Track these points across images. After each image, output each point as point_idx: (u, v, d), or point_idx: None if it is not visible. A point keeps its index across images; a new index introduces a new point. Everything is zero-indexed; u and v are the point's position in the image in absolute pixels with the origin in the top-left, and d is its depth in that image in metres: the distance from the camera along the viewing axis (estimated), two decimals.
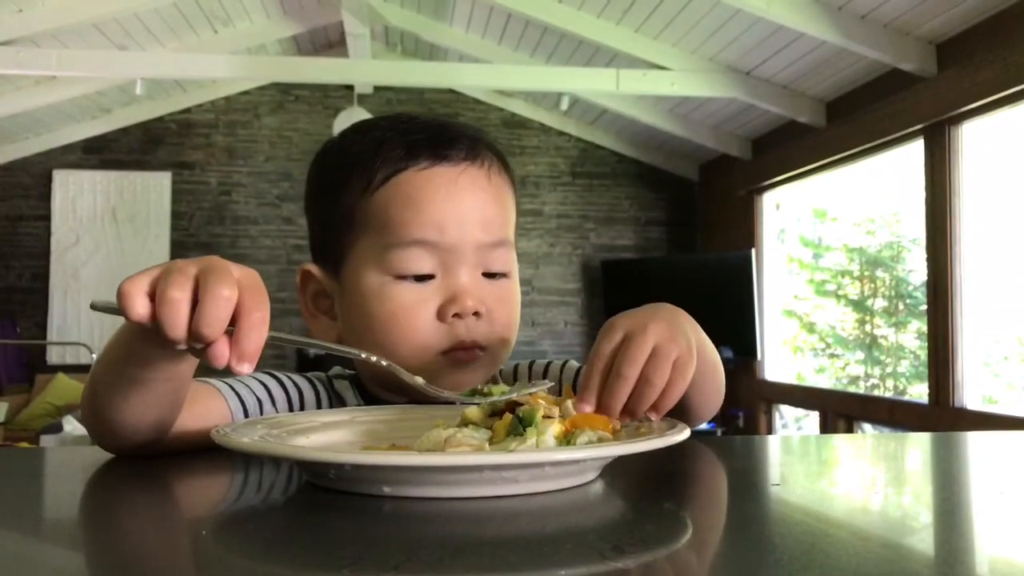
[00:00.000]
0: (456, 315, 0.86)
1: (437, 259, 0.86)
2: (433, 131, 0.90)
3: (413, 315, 0.86)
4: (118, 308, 0.57)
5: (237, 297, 0.56)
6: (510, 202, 0.94)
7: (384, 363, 0.68)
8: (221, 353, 0.56)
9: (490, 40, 5.71)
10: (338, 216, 0.90)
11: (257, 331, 0.57)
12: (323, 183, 0.95)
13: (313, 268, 0.94)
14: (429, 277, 0.87)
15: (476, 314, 0.87)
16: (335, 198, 0.91)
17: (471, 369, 0.88)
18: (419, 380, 0.69)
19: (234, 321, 0.57)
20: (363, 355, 0.68)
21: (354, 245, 0.89)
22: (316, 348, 0.69)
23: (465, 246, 0.87)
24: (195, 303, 0.56)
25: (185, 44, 5.57)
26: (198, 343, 0.57)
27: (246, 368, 0.57)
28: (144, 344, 0.64)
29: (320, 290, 0.94)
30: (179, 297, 0.56)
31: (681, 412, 0.79)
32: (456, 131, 0.91)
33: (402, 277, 0.86)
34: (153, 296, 0.57)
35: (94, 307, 0.60)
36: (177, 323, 0.56)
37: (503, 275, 0.91)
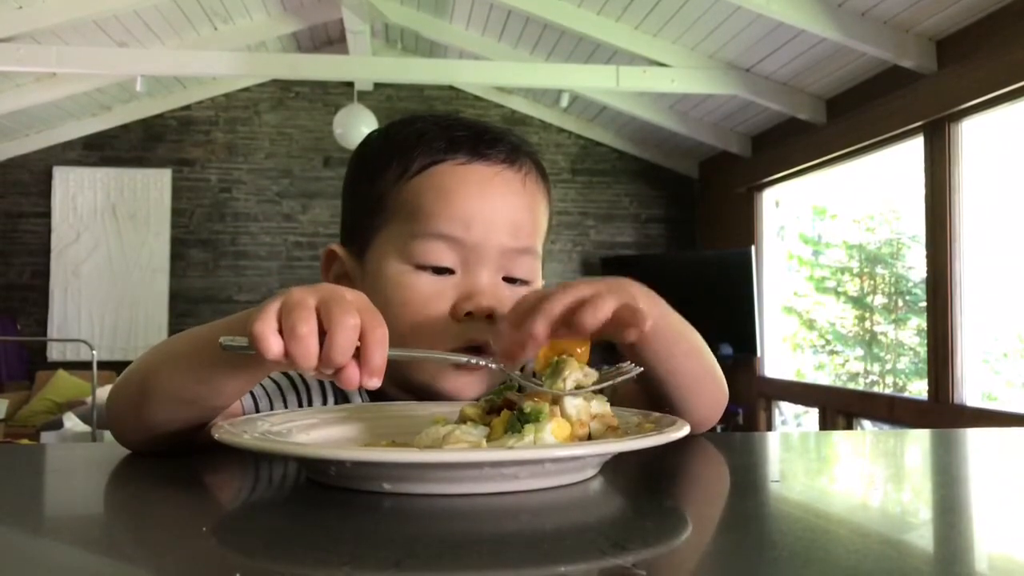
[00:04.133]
0: (469, 314, 0.85)
1: (459, 255, 0.86)
2: (476, 130, 0.91)
3: (427, 307, 0.86)
4: (250, 348, 0.59)
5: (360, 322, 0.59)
6: (542, 212, 0.94)
7: (492, 364, 0.70)
8: (353, 376, 0.60)
9: (490, 37, 5.71)
10: (371, 199, 0.91)
11: (382, 348, 0.60)
12: (361, 167, 0.96)
13: (339, 249, 0.95)
14: (449, 272, 0.87)
15: (491, 317, 0.86)
16: (371, 182, 0.92)
17: (480, 375, 0.87)
18: (516, 374, 0.70)
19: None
20: (466, 359, 0.70)
21: (381, 230, 0.90)
22: (428, 358, 0.74)
23: (489, 246, 0.87)
24: (320, 331, 0.59)
25: (185, 41, 5.57)
26: (329, 369, 0.59)
27: (376, 383, 0.60)
28: (238, 361, 0.65)
29: (343, 272, 0.94)
30: (307, 332, 0.58)
31: (673, 410, 0.80)
32: (498, 133, 0.92)
33: (422, 268, 0.87)
34: (281, 332, 0.59)
35: (226, 348, 0.62)
36: (309, 356, 0.58)
37: (524, 282, 0.91)
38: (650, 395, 0.84)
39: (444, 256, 0.86)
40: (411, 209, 0.88)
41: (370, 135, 0.99)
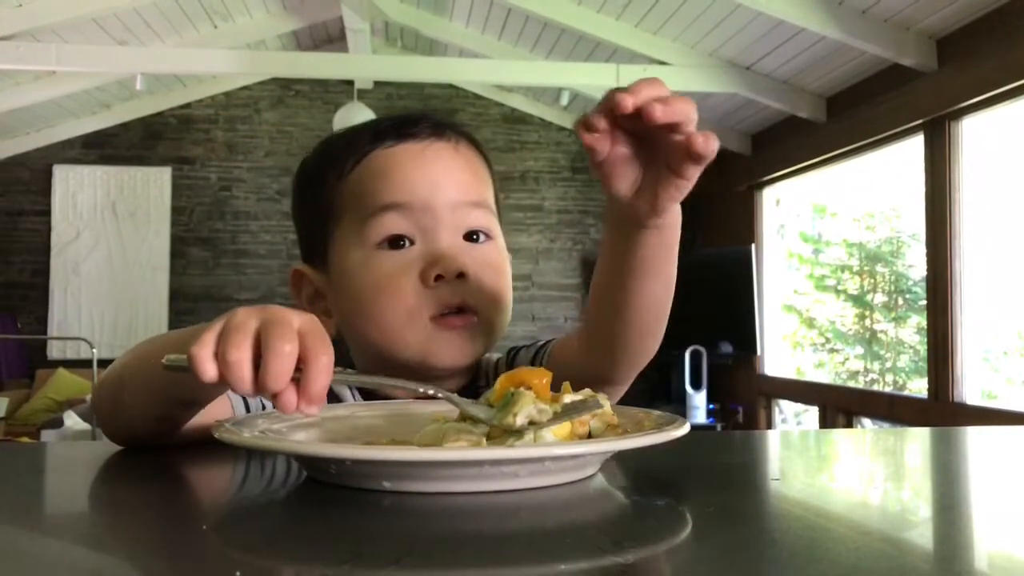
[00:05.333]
0: (439, 276, 0.86)
1: (412, 221, 0.87)
2: (399, 118, 0.94)
3: (396, 281, 0.86)
4: (189, 369, 0.58)
5: (298, 348, 0.57)
6: (483, 172, 0.95)
7: (441, 394, 0.66)
8: (289, 401, 0.58)
9: (490, 35, 5.71)
10: (318, 209, 0.93)
11: (323, 376, 0.58)
12: (303, 185, 0.98)
13: (303, 267, 0.96)
14: (409, 243, 0.87)
15: (462, 276, 0.86)
16: (314, 193, 0.94)
17: (467, 336, 0.88)
18: (476, 410, 0.65)
19: (299, 364, 0.58)
20: (421, 389, 0.66)
21: (335, 232, 0.91)
22: (376, 385, 0.69)
23: (438, 204, 0.88)
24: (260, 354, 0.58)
25: (185, 39, 5.56)
26: (265, 395, 0.58)
27: (315, 411, 0.58)
28: (186, 381, 0.64)
29: (314, 292, 0.95)
30: (239, 358, 0.57)
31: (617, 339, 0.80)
32: (421, 115, 0.94)
33: (381, 246, 0.87)
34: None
35: (167, 367, 0.61)
36: (243, 382, 0.57)
37: (486, 237, 0.91)
38: (601, 319, 0.82)
39: (397, 224, 0.87)
40: (355, 200, 0.89)
41: (305, 158, 1.01)
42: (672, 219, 0.73)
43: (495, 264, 0.91)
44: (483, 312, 0.88)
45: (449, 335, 0.87)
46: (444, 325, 0.86)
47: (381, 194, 0.88)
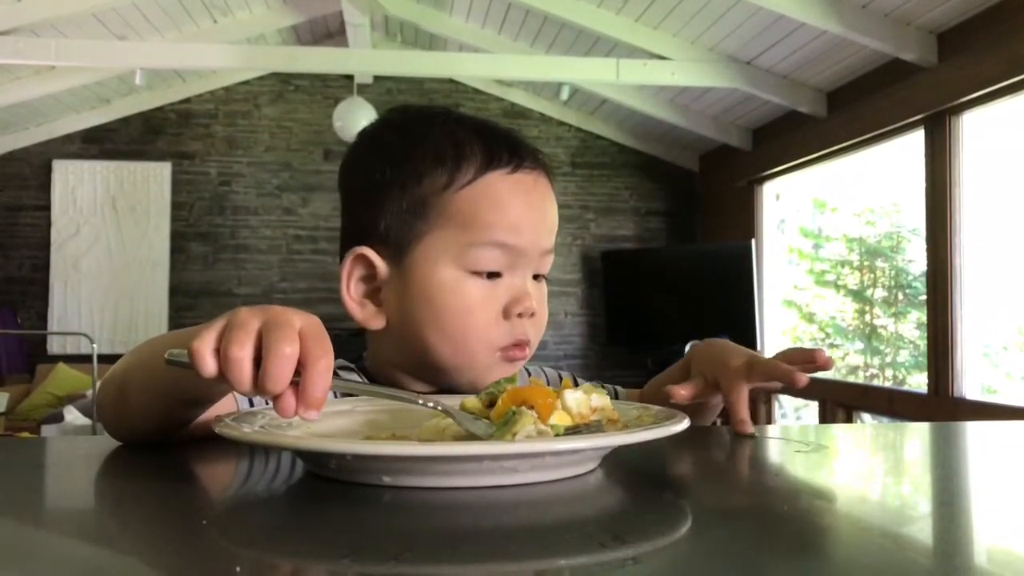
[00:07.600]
0: (519, 314, 0.90)
1: (507, 259, 0.90)
2: (504, 136, 0.94)
3: (484, 311, 0.89)
4: (190, 364, 0.59)
5: (299, 351, 0.58)
6: None
7: (440, 407, 0.67)
8: (288, 405, 0.58)
9: (490, 30, 5.70)
10: (409, 204, 0.90)
11: (323, 379, 0.58)
12: (380, 166, 0.93)
13: (369, 252, 0.91)
14: (497, 275, 0.90)
15: (532, 315, 0.91)
16: (403, 186, 0.90)
17: (517, 366, 0.93)
18: (480, 428, 0.66)
19: (299, 367, 0.58)
20: (420, 401, 0.67)
21: (427, 235, 0.89)
22: (377, 395, 0.70)
23: (532, 250, 0.91)
24: (261, 354, 0.58)
25: (185, 34, 5.55)
26: (265, 396, 0.59)
27: (313, 415, 0.58)
28: (190, 378, 0.64)
29: (368, 276, 0.93)
30: (241, 356, 0.57)
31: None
32: (519, 138, 0.96)
33: (475, 274, 0.89)
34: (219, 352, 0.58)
35: (168, 362, 0.61)
36: (243, 380, 0.58)
37: (544, 278, 0.97)
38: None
39: (497, 262, 0.90)
40: (466, 219, 0.88)
41: (378, 135, 0.97)
42: None
43: (545, 302, 0.96)
44: (532, 345, 0.94)
45: (506, 365, 0.91)
46: (508, 357, 0.91)
47: (494, 228, 0.89)
